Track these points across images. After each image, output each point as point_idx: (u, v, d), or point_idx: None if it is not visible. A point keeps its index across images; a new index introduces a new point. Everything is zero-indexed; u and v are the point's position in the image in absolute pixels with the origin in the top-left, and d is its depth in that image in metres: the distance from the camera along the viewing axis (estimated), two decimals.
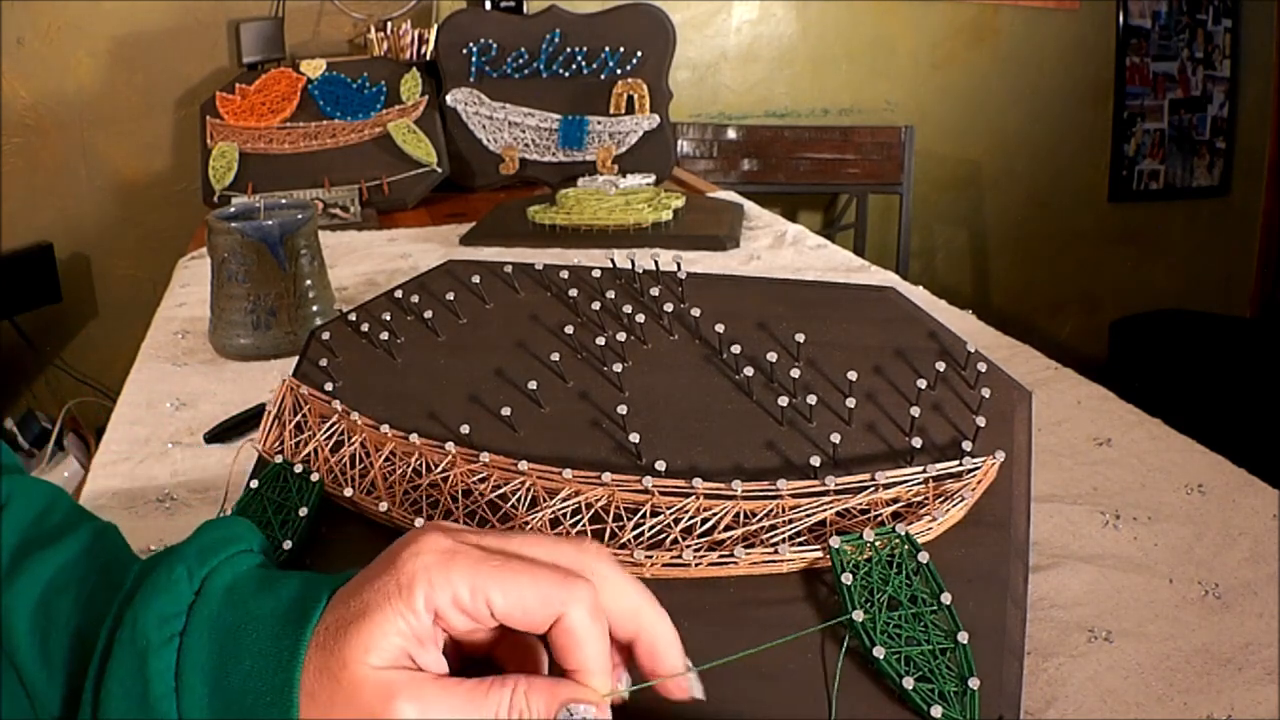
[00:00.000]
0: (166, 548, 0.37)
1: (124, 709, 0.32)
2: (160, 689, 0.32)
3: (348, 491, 0.54)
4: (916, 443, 0.52)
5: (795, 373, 0.55)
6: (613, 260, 0.60)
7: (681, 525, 0.49)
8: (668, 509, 0.50)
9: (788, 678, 0.45)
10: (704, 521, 0.49)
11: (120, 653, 0.33)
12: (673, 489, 0.50)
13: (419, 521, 0.51)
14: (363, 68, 1.64)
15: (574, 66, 1.59)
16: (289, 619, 0.33)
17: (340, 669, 0.32)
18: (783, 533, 0.48)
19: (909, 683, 0.42)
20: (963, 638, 0.44)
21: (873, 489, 0.49)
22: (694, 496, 0.50)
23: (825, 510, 0.49)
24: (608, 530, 0.49)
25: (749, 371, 0.54)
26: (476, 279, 0.60)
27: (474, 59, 1.61)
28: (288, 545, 0.51)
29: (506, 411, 0.55)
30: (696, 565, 0.48)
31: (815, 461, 0.51)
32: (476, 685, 0.33)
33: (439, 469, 0.53)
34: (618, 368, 0.56)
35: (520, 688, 0.33)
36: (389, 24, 1.91)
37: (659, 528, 0.49)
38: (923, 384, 0.54)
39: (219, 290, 0.90)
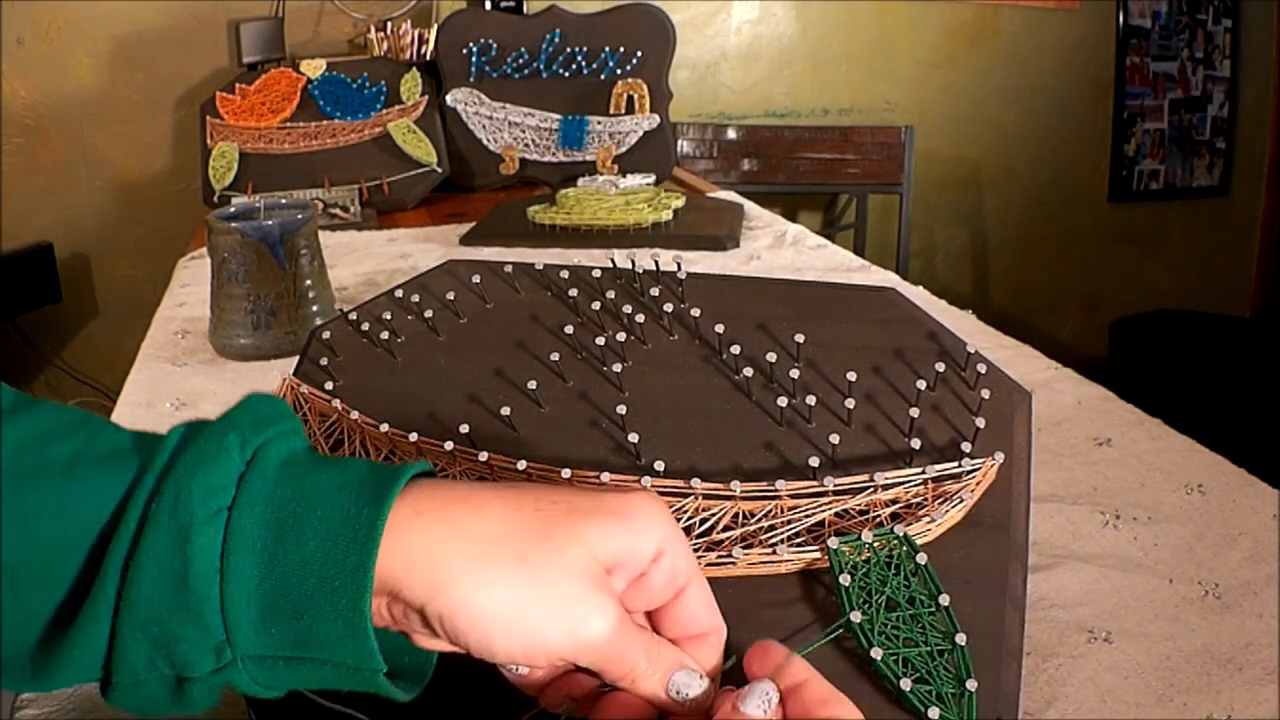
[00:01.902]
0: (212, 419, 0.32)
1: (156, 592, 0.28)
2: (202, 569, 0.28)
3: None
4: (916, 444, 0.52)
5: (794, 373, 0.55)
6: (613, 260, 0.60)
7: (680, 525, 0.49)
8: None
9: None
10: (703, 522, 0.49)
11: (157, 528, 0.28)
12: (671, 489, 0.50)
13: None
14: (363, 68, 1.64)
15: (574, 66, 1.59)
16: (363, 496, 0.29)
17: (552, 551, 0.29)
18: (781, 533, 0.48)
19: (907, 684, 0.42)
20: (961, 639, 0.44)
21: (871, 490, 0.49)
22: (693, 497, 0.50)
23: (824, 511, 0.49)
24: None
25: (748, 372, 0.54)
26: (477, 279, 0.60)
27: (474, 59, 1.61)
28: None
29: (506, 411, 0.55)
30: None
31: (814, 462, 0.51)
32: (633, 624, 0.32)
33: (439, 469, 0.53)
34: (617, 368, 0.56)
35: (660, 649, 0.33)
36: (389, 24, 1.91)
37: None
38: (922, 385, 0.54)
39: (219, 290, 0.90)
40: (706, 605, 0.35)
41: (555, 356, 0.56)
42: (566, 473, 0.52)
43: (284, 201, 0.97)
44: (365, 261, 1.22)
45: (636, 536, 0.31)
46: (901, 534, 0.47)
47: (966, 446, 0.51)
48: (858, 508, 0.49)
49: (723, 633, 0.35)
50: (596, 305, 0.57)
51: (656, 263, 0.59)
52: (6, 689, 0.33)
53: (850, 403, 0.54)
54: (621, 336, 0.57)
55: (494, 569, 0.29)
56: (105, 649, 0.29)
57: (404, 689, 0.32)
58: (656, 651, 0.32)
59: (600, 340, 0.56)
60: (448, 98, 1.60)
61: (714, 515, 0.49)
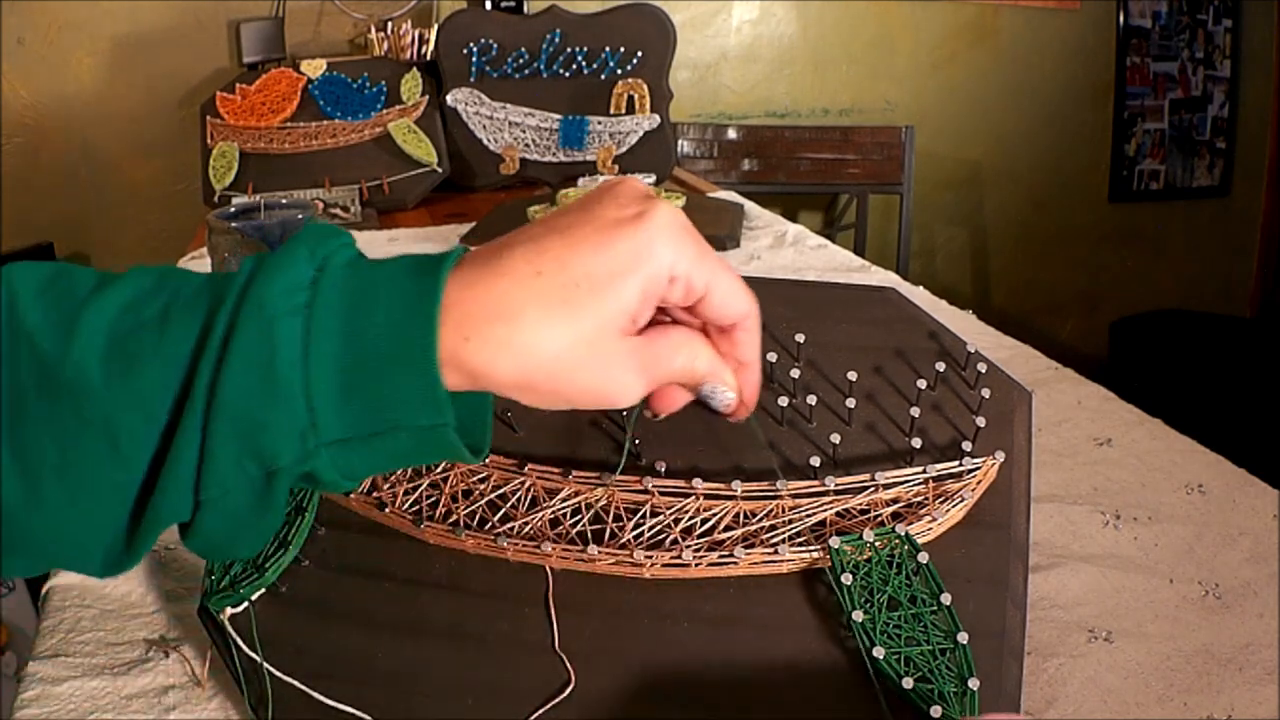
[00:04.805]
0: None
1: (245, 382, 0.31)
2: (287, 354, 0.31)
3: (349, 494, 0.54)
4: (916, 443, 0.52)
5: (795, 373, 0.55)
6: None
7: (681, 525, 0.49)
8: (668, 509, 0.50)
9: (787, 678, 0.45)
10: (704, 522, 0.49)
11: (244, 329, 0.31)
12: (673, 489, 0.50)
13: (422, 524, 0.51)
14: (363, 68, 1.64)
15: (574, 66, 1.59)
16: (421, 267, 0.33)
17: (594, 336, 0.33)
18: (782, 533, 0.48)
19: (909, 683, 0.42)
20: (962, 638, 0.44)
21: (873, 489, 0.49)
22: (694, 497, 0.50)
23: (825, 510, 0.49)
24: (608, 530, 0.49)
25: None
26: None
27: (474, 59, 1.61)
28: (291, 550, 0.51)
29: (507, 412, 0.55)
30: (696, 565, 0.48)
31: (815, 462, 0.51)
32: (666, 334, 0.36)
33: (439, 469, 0.53)
34: None
35: (695, 342, 0.36)
36: (389, 24, 1.91)
37: (659, 528, 0.49)
38: (923, 384, 0.55)
39: None
40: (735, 294, 0.37)
41: None
42: (568, 473, 0.52)
43: (284, 201, 0.97)
44: None
45: (652, 275, 0.34)
46: (903, 533, 0.47)
47: (967, 446, 0.52)
48: (859, 507, 0.49)
49: (756, 312, 0.38)
50: None
51: None
52: (102, 576, 0.35)
53: (851, 402, 0.54)
54: None
55: (520, 323, 0.33)
56: (195, 469, 0.31)
57: (471, 459, 0.35)
58: (688, 367, 0.36)
59: None
60: (448, 98, 1.60)
61: (715, 515, 0.49)
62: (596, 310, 0.33)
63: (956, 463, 0.50)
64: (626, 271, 0.33)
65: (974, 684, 0.42)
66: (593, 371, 0.33)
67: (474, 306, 0.32)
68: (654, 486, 0.50)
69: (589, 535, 0.50)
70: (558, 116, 1.60)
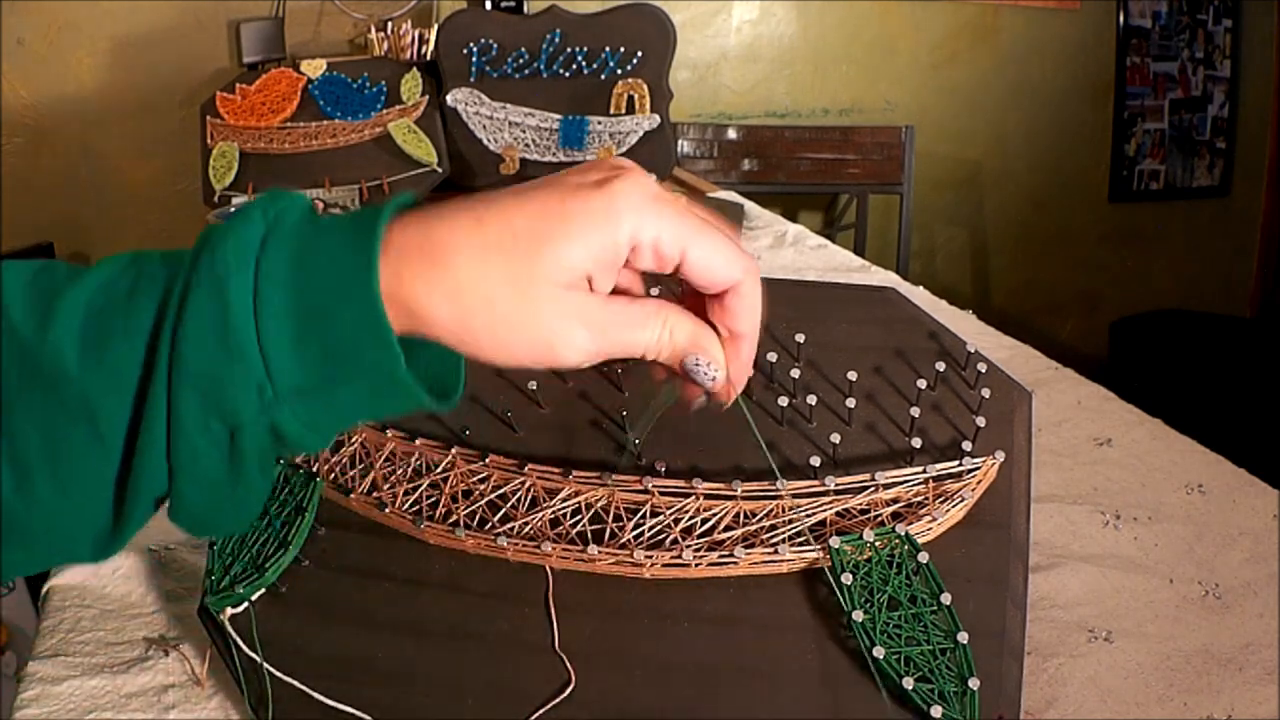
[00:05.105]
0: None
1: (200, 340, 0.31)
2: (239, 308, 0.31)
3: (349, 494, 0.54)
4: (916, 443, 0.52)
5: (795, 373, 0.55)
6: None
7: (681, 525, 0.49)
8: (668, 509, 0.50)
9: (787, 678, 0.45)
10: (704, 522, 0.49)
11: (198, 288, 0.32)
12: (673, 489, 0.50)
13: (422, 524, 0.51)
14: (363, 68, 1.64)
15: (574, 66, 1.59)
16: (364, 215, 0.33)
17: (528, 282, 0.32)
18: (783, 533, 0.48)
19: (909, 683, 0.42)
20: (963, 638, 0.44)
21: (873, 489, 0.49)
22: (694, 497, 0.50)
23: (825, 510, 0.49)
24: (608, 530, 0.49)
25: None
26: None
27: (474, 59, 1.61)
28: (292, 549, 0.51)
29: (507, 412, 0.55)
30: (696, 565, 0.48)
31: (815, 462, 0.51)
32: (634, 303, 0.35)
33: (439, 469, 0.53)
34: (618, 368, 0.56)
35: (672, 314, 0.36)
36: (389, 24, 1.91)
37: (659, 528, 0.49)
38: (923, 384, 0.54)
39: None
40: (718, 260, 0.35)
41: None
42: (569, 473, 0.52)
43: None
44: None
45: (598, 242, 0.34)
46: (903, 533, 0.47)
47: (967, 445, 0.52)
48: (859, 507, 0.49)
49: (752, 276, 0.36)
50: None
51: None
52: (93, 561, 0.35)
53: (851, 402, 0.54)
54: None
55: (457, 272, 0.32)
56: (166, 436, 0.32)
57: (434, 405, 0.35)
58: (664, 334, 0.35)
59: None
60: (448, 98, 1.60)
61: (715, 515, 0.49)
62: (535, 260, 0.33)
63: (956, 463, 0.50)
64: (575, 232, 0.33)
65: (974, 684, 0.42)
66: (533, 322, 0.33)
67: (411, 246, 0.32)
68: (654, 486, 0.50)
69: (589, 535, 0.50)
70: (558, 116, 1.60)
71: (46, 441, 0.32)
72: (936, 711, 0.41)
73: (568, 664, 0.46)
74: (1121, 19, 2.49)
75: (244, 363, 0.31)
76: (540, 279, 0.33)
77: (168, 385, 0.31)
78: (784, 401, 0.53)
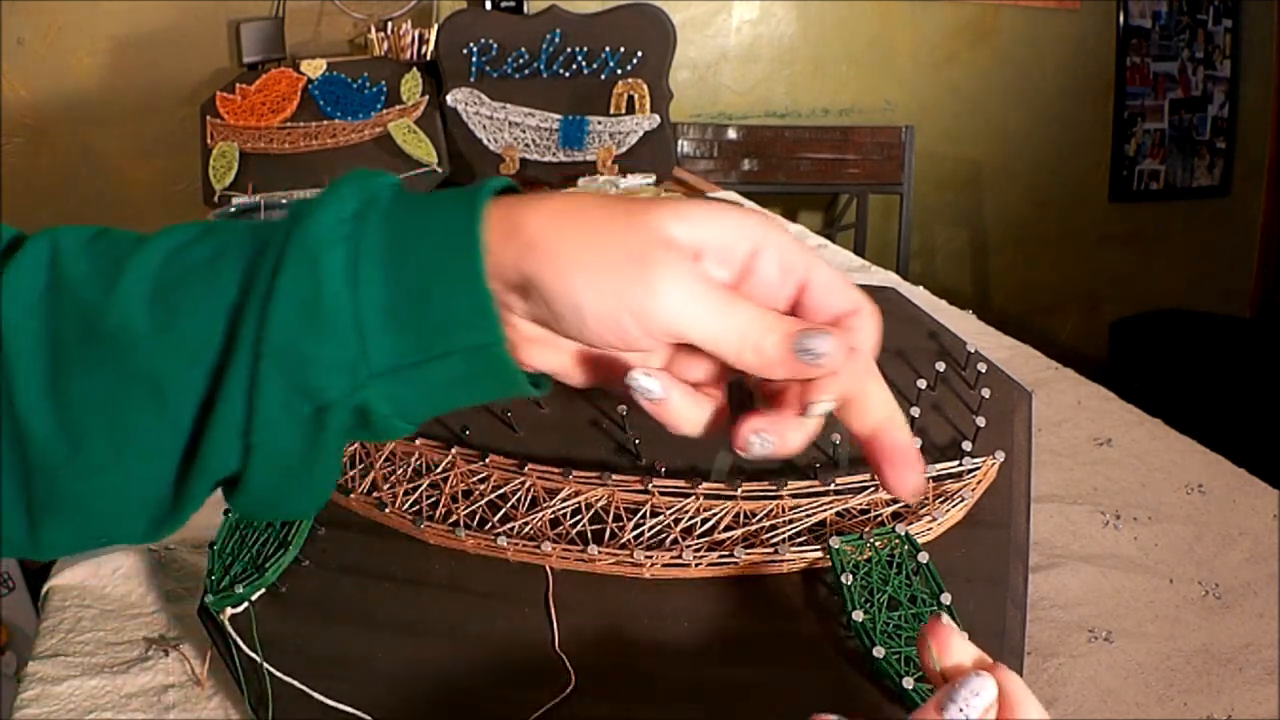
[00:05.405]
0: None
1: (291, 317, 0.30)
2: (333, 285, 0.30)
3: (349, 494, 0.54)
4: (916, 443, 0.52)
5: None
6: None
7: (681, 525, 0.49)
8: (668, 509, 0.50)
9: (787, 678, 0.45)
10: (704, 522, 0.49)
11: (290, 263, 0.30)
12: (673, 489, 0.50)
13: (422, 524, 0.51)
14: (363, 68, 1.64)
15: (574, 66, 1.59)
16: (464, 191, 0.32)
17: (641, 227, 0.31)
18: (783, 533, 0.48)
19: (909, 683, 0.42)
20: None
21: (873, 489, 0.49)
22: (694, 497, 0.50)
23: (825, 510, 0.49)
24: (608, 530, 0.49)
25: None
26: None
27: (474, 59, 1.61)
28: (292, 550, 0.51)
29: (507, 412, 0.55)
30: (696, 565, 0.48)
31: (815, 462, 0.51)
32: (733, 293, 0.32)
33: (439, 469, 0.53)
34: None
35: (773, 314, 0.32)
36: (389, 24, 1.91)
37: (659, 528, 0.49)
38: (923, 384, 0.54)
39: None
40: (838, 288, 0.33)
41: None
42: (569, 473, 0.52)
43: (284, 201, 0.97)
44: None
45: (720, 226, 0.32)
46: (903, 533, 0.47)
47: (967, 446, 0.52)
48: (859, 507, 0.49)
49: (868, 311, 0.33)
50: None
51: None
52: (145, 541, 0.34)
53: None
54: None
55: (571, 226, 0.31)
56: (244, 413, 0.31)
57: (530, 389, 0.33)
58: (768, 316, 0.32)
59: None
60: (448, 98, 1.60)
61: (715, 515, 0.49)
62: (648, 213, 0.31)
63: (956, 463, 0.50)
64: (695, 211, 0.31)
65: None
66: (639, 262, 0.30)
67: (520, 218, 0.31)
68: (654, 486, 0.50)
69: (589, 535, 0.50)
70: (558, 116, 1.60)
71: (106, 409, 0.31)
72: None
73: (568, 664, 0.46)
74: (1121, 19, 2.49)
75: (337, 341, 0.30)
76: (651, 224, 0.31)
77: (252, 360, 0.30)
78: None
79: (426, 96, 1.61)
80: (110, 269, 0.32)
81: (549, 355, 0.34)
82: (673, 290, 0.30)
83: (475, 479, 0.52)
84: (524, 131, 1.61)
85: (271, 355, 0.30)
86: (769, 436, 0.33)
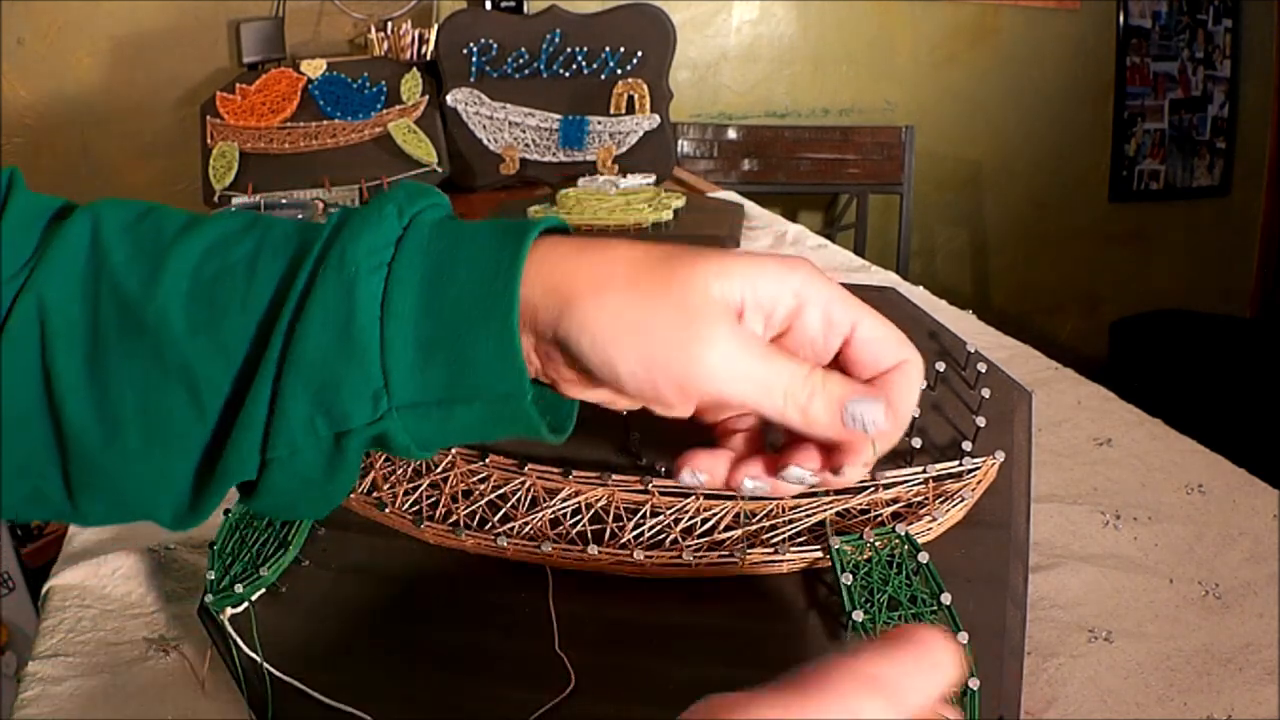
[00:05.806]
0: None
1: (321, 340, 0.30)
2: (366, 314, 0.30)
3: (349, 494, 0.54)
4: (916, 443, 0.52)
5: None
6: None
7: (681, 525, 0.49)
8: (668, 509, 0.50)
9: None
10: (704, 522, 0.49)
11: (324, 283, 0.30)
12: (673, 489, 0.50)
13: (422, 524, 0.51)
14: (363, 68, 1.64)
15: (574, 66, 1.59)
16: (508, 232, 0.31)
17: (683, 282, 0.30)
18: (783, 533, 0.48)
19: None
20: (963, 638, 0.44)
21: (873, 489, 0.49)
22: (694, 497, 0.50)
23: (825, 510, 0.49)
24: (608, 530, 0.49)
25: None
26: None
27: (474, 59, 1.61)
28: (291, 550, 0.51)
29: None
30: (696, 565, 0.48)
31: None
32: (776, 350, 0.31)
33: (439, 469, 0.53)
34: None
35: (819, 372, 0.31)
36: (389, 24, 1.91)
37: (659, 528, 0.49)
38: (922, 384, 0.54)
39: None
40: (887, 340, 0.33)
41: None
42: (568, 473, 0.52)
43: (284, 201, 0.97)
44: None
45: (763, 280, 0.31)
46: (903, 533, 0.47)
47: (967, 445, 0.52)
48: (859, 507, 0.49)
49: (918, 362, 0.33)
50: None
51: None
52: (170, 527, 0.34)
53: None
54: None
55: (610, 290, 0.31)
56: (265, 426, 0.31)
57: (550, 436, 0.33)
58: (814, 376, 0.31)
59: None
60: (448, 98, 1.60)
61: (715, 515, 0.49)
62: (693, 265, 0.30)
63: (956, 463, 0.50)
64: (738, 266, 0.31)
65: (974, 684, 0.42)
66: (677, 325, 0.30)
67: (560, 275, 0.31)
68: (654, 486, 0.50)
69: (589, 535, 0.50)
70: (558, 116, 1.60)
71: (140, 396, 0.31)
72: None
73: (568, 664, 0.46)
74: (1121, 19, 2.49)
75: (363, 369, 0.30)
76: (695, 283, 0.30)
77: (276, 374, 0.30)
78: None
79: (426, 96, 1.61)
80: (151, 259, 0.32)
81: (590, 393, 0.34)
82: (714, 358, 0.30)
83: (475, 479, 0.52)
84: (524, 131, 1.61)
85: (298, 375, 0.30)
86: (761, 483, 0.35)
